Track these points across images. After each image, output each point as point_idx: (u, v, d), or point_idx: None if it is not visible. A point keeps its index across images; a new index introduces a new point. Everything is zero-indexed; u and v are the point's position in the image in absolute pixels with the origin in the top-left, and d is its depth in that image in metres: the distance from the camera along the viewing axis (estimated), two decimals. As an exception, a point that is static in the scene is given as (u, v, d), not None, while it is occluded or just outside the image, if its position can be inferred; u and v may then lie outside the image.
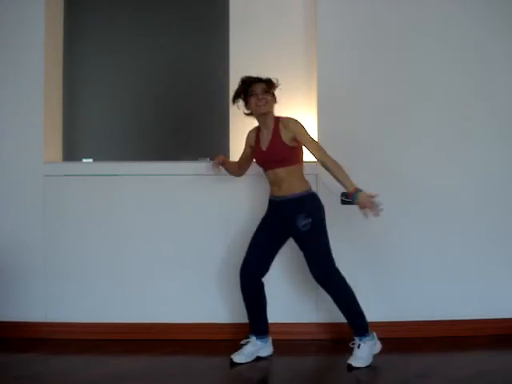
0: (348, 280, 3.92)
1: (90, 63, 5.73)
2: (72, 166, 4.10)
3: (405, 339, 3.84)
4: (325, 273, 3.38)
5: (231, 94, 3.54)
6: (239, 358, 3.41)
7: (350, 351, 3.37)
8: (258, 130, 3.51)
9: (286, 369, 3.42)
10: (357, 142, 3.95)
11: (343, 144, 3.90)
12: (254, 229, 3.52)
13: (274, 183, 3.41)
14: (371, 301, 3.91)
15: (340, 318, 3.87)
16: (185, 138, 5.52)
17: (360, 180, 3.91)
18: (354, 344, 3.38)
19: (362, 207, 3.25)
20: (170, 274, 3.91)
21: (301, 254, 3.66)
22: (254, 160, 3.53)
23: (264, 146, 3.41)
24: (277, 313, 3.64)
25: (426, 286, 3.93)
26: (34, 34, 3.95)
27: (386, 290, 3.93)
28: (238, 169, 3.68)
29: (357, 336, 3.38)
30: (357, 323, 3.40)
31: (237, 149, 3.85)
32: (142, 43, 5.76)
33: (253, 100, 3.37)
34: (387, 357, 3.56)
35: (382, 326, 3.87)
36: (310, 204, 3.41)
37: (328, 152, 3.41)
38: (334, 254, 3.69)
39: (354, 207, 3.91)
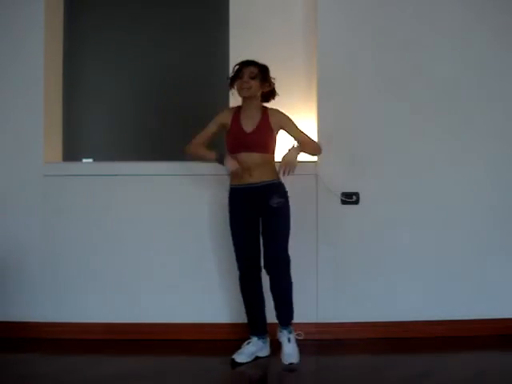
0: (348, 279, 3.94)
1: (90, 63, 5.74)
2: (72, 166, 4.10)
3: (405, 339, 3.84)
4: (282, 254, 3.42)
5: (231, 94, 3.55)
6: (240, 357, 3.41)
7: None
8: (236, 111, 3.48)
9: (286, 369, 3.41)
10: (356, 140, 3.95)
11: (343, 142, 3.91)
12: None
13: (247, 168, 3.39)
14: (371, 301, 3.91)
15: (340, 318, 3.88)
16: (185, 138, 5.52)
17: (360, 179, 3.93)
18: (299, 336, 3.49)
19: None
20: (169, 273, 3.91)
21: (300, 254, 3.67)
22: (228, 140, 3.46)
23: (248, 128, 3.42)
24: (277, 313, 3.63)
25: (425, 285, 3.93)
26: (34, 34, 3.95)
27: (385, 290, 3.92)
28: (201, 147, 3.58)
29: (286, 327, 3.46)
30: (290, 312, 3.49)
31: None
32: (142, 43, 5.77)
33: (238, 82, 3.42)
34: (387, 357, 3.57)
35: (381, 326, 3.88)
36: (281, 189, 3.47)
37: (328, 150, 3.43)
38: (335, 253, 3.71)
39: (354, 207, 3.93)
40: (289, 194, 3.49)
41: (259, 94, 3.47)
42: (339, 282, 3.91)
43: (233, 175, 3.44)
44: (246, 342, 3.48)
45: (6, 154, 3.96)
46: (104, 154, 5.52)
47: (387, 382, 3.20)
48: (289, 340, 3.46)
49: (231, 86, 3.48)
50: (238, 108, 3.50)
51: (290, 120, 3.49)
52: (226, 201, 3.54)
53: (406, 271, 3.93)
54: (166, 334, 3.85)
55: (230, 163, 3.39)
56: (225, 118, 3.51)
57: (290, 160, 3.33)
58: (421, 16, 3.98)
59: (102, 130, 5.87)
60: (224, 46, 4.34)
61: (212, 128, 3.55)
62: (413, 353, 3.65)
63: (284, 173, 3.33)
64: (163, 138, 5.71)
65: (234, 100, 3.63)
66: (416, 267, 3.93)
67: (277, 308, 3.50)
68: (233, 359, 3.40)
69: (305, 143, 3.43)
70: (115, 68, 5.76)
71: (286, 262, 3.44)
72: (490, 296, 3.94)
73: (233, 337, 3.70)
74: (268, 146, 3.44)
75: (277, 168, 3.43)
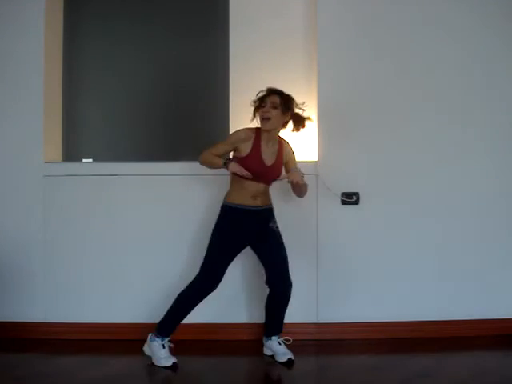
0: (348, 279, 3.94)
1: (90, 63, 5.73)
2: (72, 166, 4.10)
3: (405, 339, 3.84)
4: (288, 274, 3.47)
5: (231, 93, 3.55)
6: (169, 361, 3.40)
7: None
8: (256, 137, 3.37)
9: (286, 369, 3.41)
10: (357, 140, 3.95)
11: (343, 143, 3.91)
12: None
13: (253, 194, 3.38)
14: (371, 301, 3.91)
15: (340, 318, 3.88)
16: (185, 138, 5.52)
17: (360, 179, 3.93)
18: (288, 341, 3.55)
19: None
20: (170, 273, 3.90)
21: (300, 254, 3.67)
22: (244, 167, 3.29)
23: (269, 161, 3.38)
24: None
25: (425, 286, 3.93)
26: (34, 34, 3.95)
27: (385, 290, 3.93)
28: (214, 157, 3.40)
29: (277, 334, 3.53)
30: (282, 323, 3.56)
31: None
32: (142, 43, 5.75)
33: (260, 111, 3.36)
34: (387, 357, 3.57)
35: (381, 326, 3.88)
36: (274, 214, 3.53)
37: (329, 153, 3.43)
38: (335, 253, 3.71)
39: (355, 207, 3.93)
40: (289, 194, 3.51)
41: (280, 125, 3.41)
42: (339, 282, 3.91)
43: (235, 174, 3.33)
44: (161, 346, 3.39)
45: (6, 153, 3.96)
46: (104, 154, 5.52)
47: (387, 382, 3.20)
48: (279, 343, 3.52)
49: (254, 114, 3.41)
50: (258, 134, 3.37)
51: (295, 157, 3.53)
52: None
53: (405, 271, 3.94)
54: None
55: (233, 167, 3.28)
56: (242, 142, 3.35)
57: (297, 174, 3.33)
58: (421, 17, 3.98)
59: (102, 130, 5.86)
60: (224, 46, 4.34)
61: (227, 148, 3.40)
62: (413, 353, 3.66)
63: (293, 181, 3.31)
64: (163, 138, 5.70)
65: (234, 100, 3.62)
66: (416, 267, 3.93)
67: (271, 321, 3.55)
68: (175, 362, 3.36)
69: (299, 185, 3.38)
70: (115, 68, 5.75)
71: (290, 281, 3.48)
72: (490, 296, 3.95)
73: (233, 337, 3.70)
74: (277, 178, 3.45)
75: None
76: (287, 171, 3.44)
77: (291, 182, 3.33)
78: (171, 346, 3.40)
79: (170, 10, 5.70)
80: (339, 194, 3.89)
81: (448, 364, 3.44)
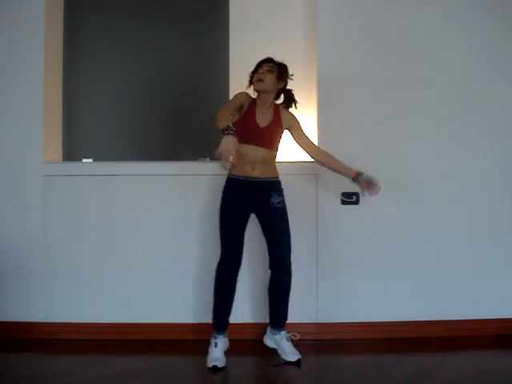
0: (348, 279, 3.94)
1: (90, 63, 5.74)
2: (72, 166, 4.10)
3: (405, 339, 3.84)
4: (288, 254, 3.45)
5: (231, 93, 3.55)
6: (219, 362, 3.35)
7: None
8: (252, 101, 3.45)
9: (286, 368, 3.42)
10: (356, 140, 3.95)
11: (343, 141, 3.91)
12: (255, 228, 3.51)
13: (249, 161, 3.38)
14: (371, 301, 3.91)
15: (340, 318, 3.88)
16: (185, 138, 5.52)
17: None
18: (295, 337, 3.56)
19: (365, 188, 3.43)
20: (170, 273, 3.91)
21: (300, 254, 3.67)
22: (238, 129, 3.14)
23: (262, 122, 3.42)
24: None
25: (425, 286, 3.93)
26: (34, 34, 3.95)
27: (385, 290, 3.92)
28: (228, 113, 3.30)
29: (283, 328, 3.51)
30: (287, 312, 3.53)
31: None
32: (142, 43, 5.77)
33: (254, 76, 3.43)
34: (387, 357, 3.57)
35: (381, 326, 3.88)
36: (280, 187, 3.49)
37: (328, 150, 3.43)
38: (335, 253, 3.70)
39: (355, 207, 3.93)
40: (289, 194, 3.50)
41: (274, 90, 3.46)
42: (339, 282, 3.91)
43: (220, 155, 3.09)
44: (213, 345, 3.41)
45: (6, 153, 3.96)
46: (104, 154, 5.52)
47: (387, 382, 3.20)
48: (287, 339, 3.51)
49: (250, 83, 3.47)
50: (254, 100, 3.47)
51: (299, 123, 3.52)
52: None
53: (405, 271, 3.93)
54: (166, 334, 3.85)
55: (226, 144, 3.03)
56: (242, 103, 3.42)
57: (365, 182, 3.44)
58: (421, 13, 3.98)
59: (102, 130, 5.87)
60: (224, 45, 4.34)
61: (232, 106, 3.40)
62: (413, 353, 3.65)
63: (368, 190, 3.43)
64: (163, 138, 5.71)
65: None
66: (416, 267, 3.93)
67: (275, 308, 3.53)
68: (215, 366, 3.31)
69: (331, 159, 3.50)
70: (115, 68, 5.76)
71: (290, 261, 3.46)
72: (490, 296, 3.94)
73: (233, 337, 3.70)
74: (276, 143, 3.47)
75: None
76: (296, 138, 3.49)
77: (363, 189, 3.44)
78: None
79: (170, 10, 5.72)
80: (339, 194, 3.89)
81: (448, 364, 3.44)
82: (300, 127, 3.51)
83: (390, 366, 3.42)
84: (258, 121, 3.42)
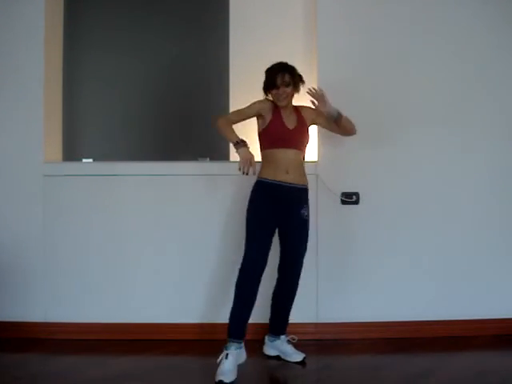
0: (348, 279, 3.94)
1: (90, 63, 5.73)
2: (72, 166, 4.10)
3: (405, 339, 3.84)
4: (301, 264, 3.46)
5: (231, 93, 3.55)
6: (228, 377, 3.13)
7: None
8: (275, 106, 3.43)
9: (286, 369, 3.41)
10: (357, 140, 3.93)
11: (343, 142, 3.90)
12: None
13: (281, 165, 3.35)
14: (371, 301, 3.91)
15: (340, 318, 3.88)
16: (185, 138, 5.52)
17: (360, 179, 3.93)
18: (293, 340, 3.57)
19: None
20: (170, 273, 3.91)
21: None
22: (267, 135, 3.38)
23: (290, 124, 3.42)
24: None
25: (425, 286, 3.93)
26: (34, 34, 3.95)
27: (385, 290, 3.92)
28: (231, 125, 3.37)
29: (284, 333, 3.55)
30: (288, 319, 3.56)
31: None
32: (142, 43, 5.75)
33: (273, 92, 3.41)
34: (387, 357, 3.57)
35: (381, 326, 3.88)
36: (308, 196, 3.48)
37: (329, 153, 3.44)
38: (335, 253, 3.69)
39: (355, 207, 3.93)
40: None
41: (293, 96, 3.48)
42: (339, 281, 3.91)
43: (242, 164, 3.19)
44: (224, 356, 3.17)
45: (6, 153, 3.96)
46: (104, 154, 5.51)
47: (387, 382, 3.20)
48: (288, 342, 3.55)
49: (266, 93, 3.45)
50: (275, 104, 3.43)
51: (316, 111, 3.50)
52: (225, 201, 3.52)
53: (405, 271, 3.93)
54: (166, 334, 3.85)
55: (246, 154, 3.18)
56: (264, 109, 3.42)
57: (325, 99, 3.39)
58: (420, 11, 3.98)
59: (102, 130, 5.86)
60: (224, 45, 4.34)
61: (249, 113, 3.42)
62: (413, 353, 3.65)
63: (315, 96, 3.37)
64: (163, 138, 5.70)
65: (234, 100, 3.62)
66: (416, 267, 3.93)
67: (279, 314, 3.54)
68: (221, 381, 3.08)
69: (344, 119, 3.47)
70: (115, 68, 5.75)
71: (302, 267, 3.47)
72: (490, 296, 3.94)
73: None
74: (306, 143, 3.48)
75: None
76: (323, 126, 3.55)
77: (321, 107, 3.38)
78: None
79: (170, 10, 5.71)
80: (339, 194, 3.89)
81: (448, 364, 3.44)
82: (322, 114, 3.47)
83: (390, 365, 3.42)
84: (286, 123, 3.42)
